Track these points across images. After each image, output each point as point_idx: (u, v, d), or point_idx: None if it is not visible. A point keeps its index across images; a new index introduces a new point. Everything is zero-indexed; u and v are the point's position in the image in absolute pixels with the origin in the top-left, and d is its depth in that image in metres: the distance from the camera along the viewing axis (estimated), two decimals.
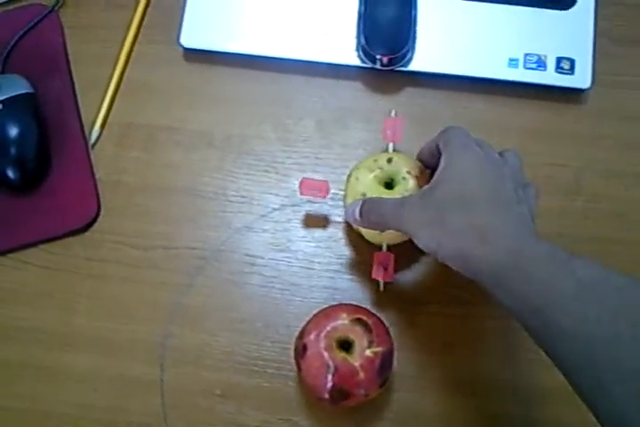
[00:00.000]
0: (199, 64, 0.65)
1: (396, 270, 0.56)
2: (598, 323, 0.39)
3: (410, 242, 0.49)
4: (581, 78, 0.62)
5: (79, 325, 0.58)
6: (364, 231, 0.56)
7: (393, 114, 0.59)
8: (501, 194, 0.46)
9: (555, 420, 0.55)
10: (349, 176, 0.56)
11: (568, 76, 0.62)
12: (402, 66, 0.62)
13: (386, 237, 0.55)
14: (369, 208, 0.51)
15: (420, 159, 0.56)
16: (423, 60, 0.63)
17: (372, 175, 0.55)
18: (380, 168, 0.55)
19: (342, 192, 0.57)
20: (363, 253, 0.59)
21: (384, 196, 0.53)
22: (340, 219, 0.60)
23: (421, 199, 0.47)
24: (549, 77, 0.62)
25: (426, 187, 0.48)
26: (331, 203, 0.61)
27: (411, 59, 0.63)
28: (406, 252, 0.56)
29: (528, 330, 0.43)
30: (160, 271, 0.59)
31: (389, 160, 0.55)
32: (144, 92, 0.64)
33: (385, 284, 0.57)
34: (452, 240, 0.44)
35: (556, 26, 0.63)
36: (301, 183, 0.58)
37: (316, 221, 0.60)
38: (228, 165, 0.62)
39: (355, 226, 0.56)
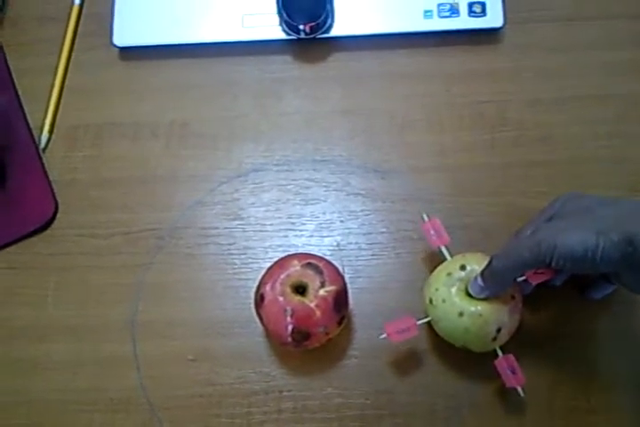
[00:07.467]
0: (134, 61, 0.68)
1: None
2: None
3: None
4: (493, 18, 0.65)
5: (51, 316, 0.59)
6: (474, 345, 0.52)
7: (425, 217, 0.56)
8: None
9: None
10: (431, 300, 0.52)
11: (481, 19, 0.65)
12: (325, 32, 0.65)
13: (498, 342, 0.52)
14: (497, 261, 0.48)
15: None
16: (344, 24, 0.66)
17: (454, 290, 0.51)
18: (459, 279, 0.51)
19: None
20: None
21: (474, 303, 0.50)
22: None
23: (549, 220, 0.50)
24: (464, 22, 0.65)
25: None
26: None
27: (332, 25, 0.66)
28: None
29: None
30: (122, 255, 0.61)
31: (462, 267, 0.52)
32: (86, 94, 0.67)
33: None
34: (616, 225, 0.43)
35: None
36: (387, 329, 0.52)
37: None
38: (173, 149, 0.64)
39: (459, 345, 0.53)
